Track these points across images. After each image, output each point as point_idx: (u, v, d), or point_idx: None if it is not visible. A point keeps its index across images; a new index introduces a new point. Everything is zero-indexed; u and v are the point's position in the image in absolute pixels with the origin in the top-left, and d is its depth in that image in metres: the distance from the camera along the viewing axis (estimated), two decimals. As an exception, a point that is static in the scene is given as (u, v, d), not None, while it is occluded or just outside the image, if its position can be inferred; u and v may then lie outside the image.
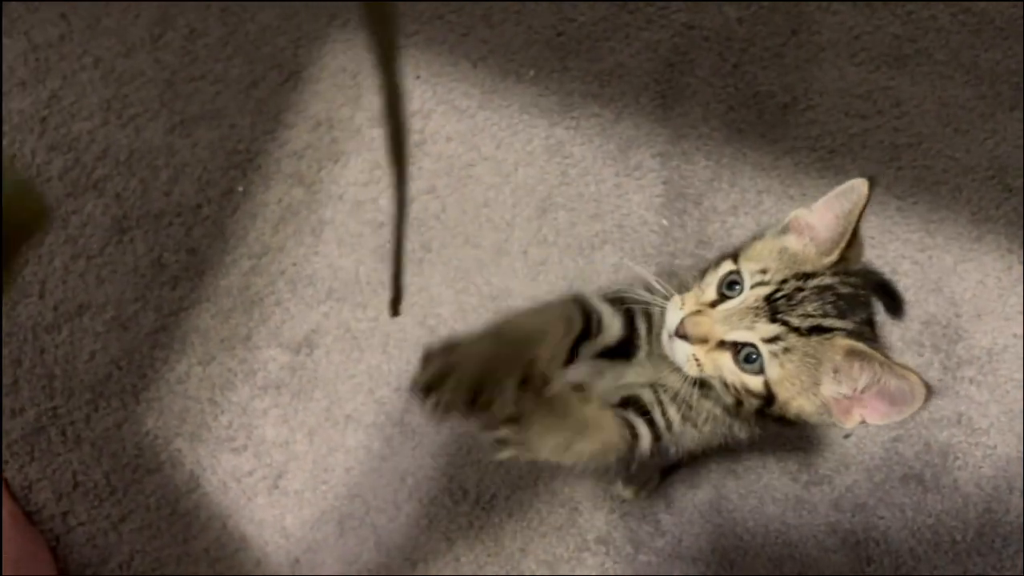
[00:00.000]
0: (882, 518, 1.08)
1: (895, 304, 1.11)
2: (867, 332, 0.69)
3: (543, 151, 1.25)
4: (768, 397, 0.70)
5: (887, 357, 0.65)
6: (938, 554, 1.07)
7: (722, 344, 0.70)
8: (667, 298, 0.75)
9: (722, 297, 0.72)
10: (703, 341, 0.70)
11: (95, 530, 1.09)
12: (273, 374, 1.16)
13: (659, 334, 0.76)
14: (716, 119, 1.26)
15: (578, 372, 0.80)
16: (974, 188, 1.22)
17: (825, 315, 0.68)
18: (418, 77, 1.30)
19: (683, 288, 0.77)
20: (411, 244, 1.21)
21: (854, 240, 0.71)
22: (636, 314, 0.80)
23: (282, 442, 1.13)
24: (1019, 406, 1.12)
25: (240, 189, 1.24)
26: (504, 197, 1.23)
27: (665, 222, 1.21)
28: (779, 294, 0.68)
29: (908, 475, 1.09)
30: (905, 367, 0.64)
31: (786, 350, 0.67)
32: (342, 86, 1.30)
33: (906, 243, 1.19)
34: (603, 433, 0.72)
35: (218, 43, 1.31)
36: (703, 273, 0.76)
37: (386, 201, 1.24)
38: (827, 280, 0.69)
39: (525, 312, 0.71)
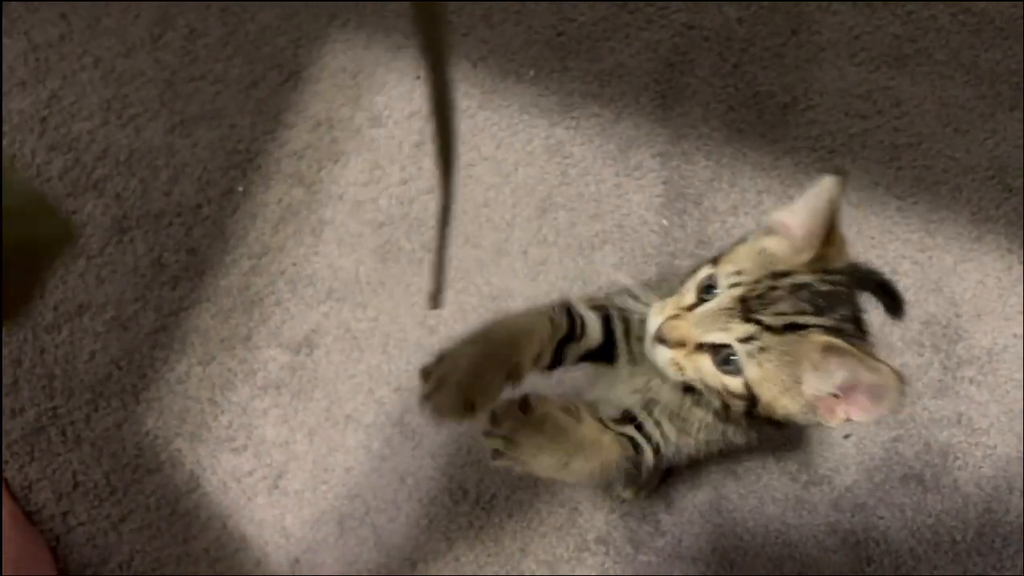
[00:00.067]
0: (882, 518, 1.08)
1: (895, 304, 1.11)
2: (848, 328, 0.69)
3: (543, 151, 1.25)
4: (751, 398, 0.70)
5: (864, 351, 0.64)
6: (938, 554, 1.07)
7: (700, 347, 0.70)
8: (649, 304, 0.76)
9: (700, 301, 0.72)
10: (681, 345, 0.70)
11: (95, 530, 1.10)
12: (273, 374, 1.16)
13: (645, 340, 0.76)
14: (716, 119, 1.26)
15: (573, 376, 0.81)
16: (974, 188, 1.22)
17: (800, 312, 0.67)
18: (418, 77, 1.30)
19: (671, 294, 0.77)
20: (410, 244, 1.21)
21: (831, 237, 0.71)
22: (613, 318, 0.81)
23: (282, 442, 1.13)
24: (1019, 406, 1.12)
25: (240, 189, 1.24)
26: (504, 197, 1.23)
27: (665, 222, 1.21)
28: (752, 294, 0.69)
29: (908, 475, 1.09)
30: (878, 360, 0.64)
31: (762, 349, 0.67)
32: (342, 86, 1.30)
33: (906, 243, 1.19)
34: (602, 452, 0.73)
35: (218, 43, 1.31)
36: (685, 279, 0.76)
37: (386, 201, 1.24)
38: (803, 278, 0.69)
39: (512, 315, 0.74)
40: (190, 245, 1.21)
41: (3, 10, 1.32)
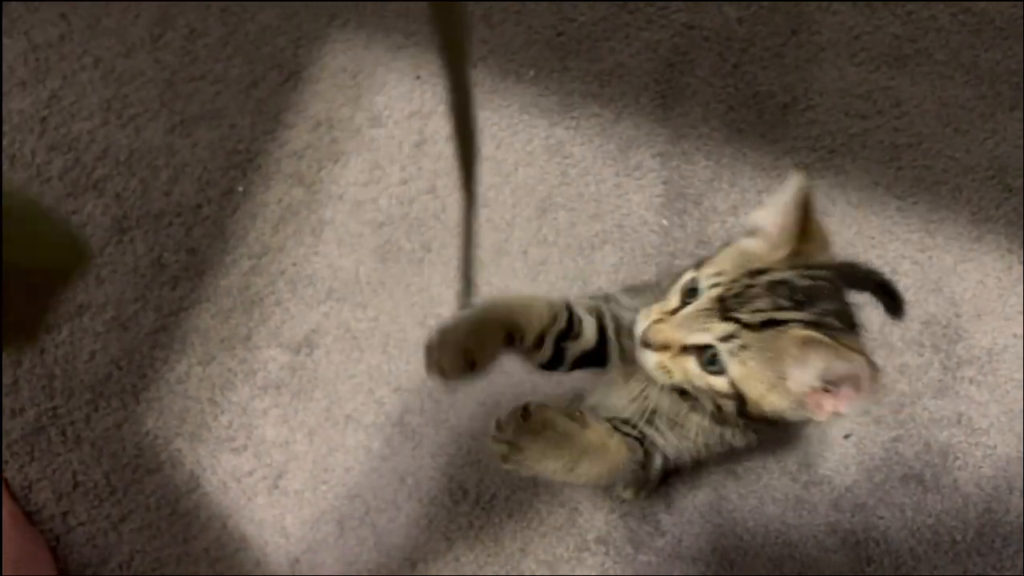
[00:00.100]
0: (882, 518, 1.08)
1: (895, 304, 1.11)
2: (829, 321, 0.69)
3: (543, 151, 1.25)
4: (739, 397, 0.70)
5: (841, 342, 0.65)
6: (938, 554, 1.07)
7: (685, 349, 0.71)
8: (637, 311, 0.78)
9: (684, 305, 0.73)
10: (666, 348, 0.71)
11: (95, 530, 1.10)
12: (273, 374, 1.16)
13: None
14: (716, 119, 1.26)
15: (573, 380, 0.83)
16: (974, 188, 1.22)
17: (778, 308, 0.68)
18: (418, 77, 1.30)
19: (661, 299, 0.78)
20: (410, 244, 1.21)
21: (806, 233, 0.72)
22: (606, 321, 0.83)
23: (282, 442, 1.13)
24: (1019, 406, 1.12)
25: (240, 189, 1.24)
26: (504, 197, 1.23)
27: (665, 222, 1.21)
28: (730, 293, 0.69)
29: (908, 475, 1.09)
30: (852, 348, 0.64)
31: (742, 347, 0.68)
32: (342, 86, 1.30)
33: (906, 243, 1.19)
34: (608, 455, 0.75)
35: (218, 43, 1.31)
36: (670, 284, 0.78)
37: (386, 201, 1.24)
38: (781, 275, 0.70)
39: (517, 295, 0.77)
40: (190, 245, 1.21)
41: (3, 10, 1.32)
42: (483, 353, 0.71)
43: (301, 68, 1.31)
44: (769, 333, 0.67)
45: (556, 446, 0.71)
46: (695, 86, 1.28)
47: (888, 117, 1.25)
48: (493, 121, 1.27)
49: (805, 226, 0.72)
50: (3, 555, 0.99)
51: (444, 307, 1.18)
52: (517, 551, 1.08)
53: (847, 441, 1.11)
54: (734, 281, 0.70)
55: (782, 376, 0.68)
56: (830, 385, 0.67)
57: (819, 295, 0.70)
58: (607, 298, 0.86)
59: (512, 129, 1.26)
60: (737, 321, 0.68)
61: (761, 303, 0.68)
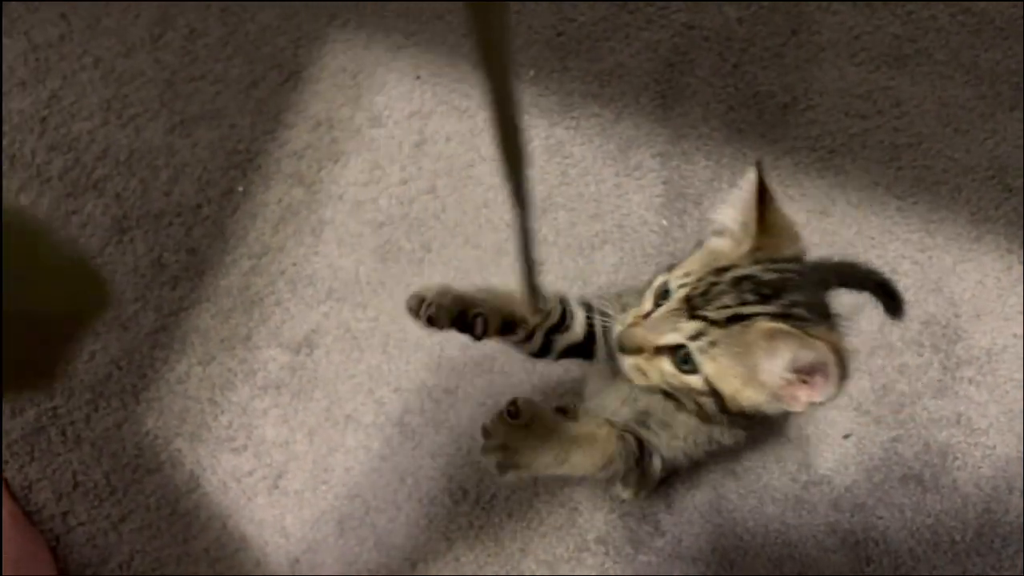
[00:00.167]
0: (881, 518, 1.08)
1: (895, 304, 1.12)
2: (798, 312, 0.69)
3: (543, 151, 1.25)
4: (715, 394, 0.71)
5: (808, 332, 0.65)
6: (937, 554, 1.07)
7: (659, 350, 0.72)
8: (616, 316, 0.80)
9: (657, 308, 0.74)
10: (640, 350, 0.73)
11: (95, 530, 1.10)
12: (273, 374, 1.16)
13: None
14: (716, 119, 1.26)
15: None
16: (974, 188, 1.22)
17: (743, 303, 0.69)
18: (418, 77, 1.30)
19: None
20: (410, 244, 1.21)
21: (767, 226, 0.72)
22: (595, 316, 0.84)
23: (282, 442, 1.13)
24: (1019, 406, 1.12)
25: (240, 189, 1.24)
26: (504, 197, 1.23)
27: (665, 222, 1.21)
28: (696, 292, 0.70)
29: (907, 475, 1.09)
30: (817, 336, 0.65)
31: (712, 344, 0.69)
32: (342, 86, 1.30)
33: (906, 243, 1.19)
34: (598, 444, 0.76)
35: (218, 43, 1.31)
36: (644, 289, 0.79)
37: (386, 201, 1.24)
38: (745, 270, 0.70)
39: (512, 287, 0.78)
40: (190, 245, 1.21)
41: (3, 10, 1.32)
42: (477, 310, 0.73)
43: (301, 68, 1.31)
44: (736, 328, 0.68)
45: (546, 439, 0.72)
46: (695, 86, 1.28)
47: (888, 117, 1.25)
48: (493, 121, 1.27)
49: (764, 220, 0.72)
50: (3, 555, 0.99)
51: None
52: (517, 551, 1.08)
53: (847, 441, 1.11)
54: (700, 280, 0.71)
55: (754, 370, 0.69)
56: (802, 375, 0.67)
57: (786, 287, 0.70)
58: (602, 298, 0.87)
59: (512, 129, 1.26)
60: (704, 319, 0.69)
61: (726, 299, 0.69)
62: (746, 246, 0.72)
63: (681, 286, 0.72)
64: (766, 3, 1.31)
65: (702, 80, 1.28)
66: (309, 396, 1.15)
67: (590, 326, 0.84)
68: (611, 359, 0.82)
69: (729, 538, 1.08)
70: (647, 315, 0.74)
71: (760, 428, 0.94)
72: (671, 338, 0.71)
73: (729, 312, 0.68)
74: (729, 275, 0.70)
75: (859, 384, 1.13)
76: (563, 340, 0.83)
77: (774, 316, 0.68)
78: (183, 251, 1.21)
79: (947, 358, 1.14)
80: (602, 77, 1.29)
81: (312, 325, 1.18)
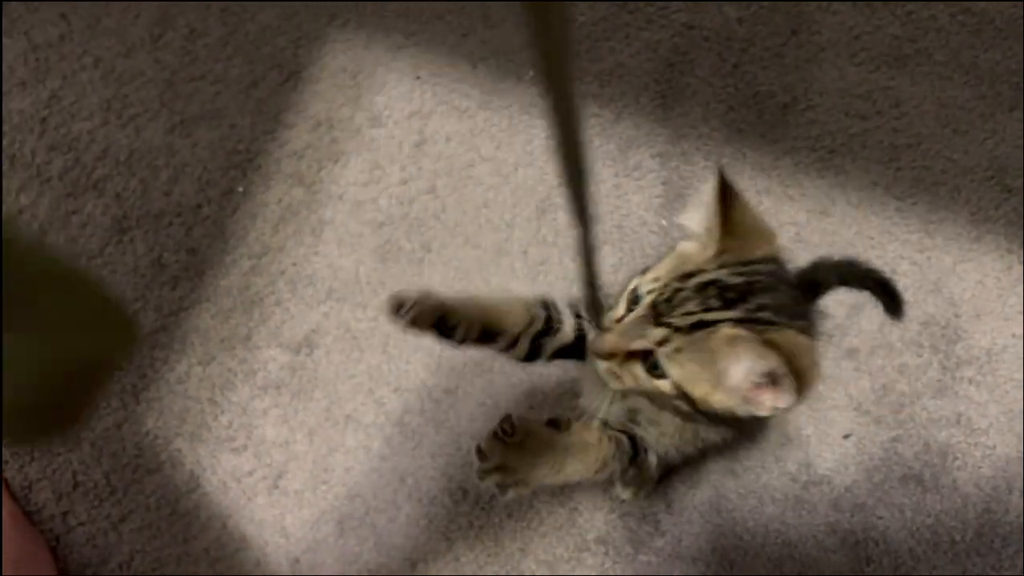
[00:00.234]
0: (881, 518, 1.08)
1: (894, 304, 1.11)
2: (764, 316, 0.69)
3: (543, 151, 1.25)
4: (686, 397, 0.71)
5: (768, 336, 0.65)
6: (937, 554, 1.07)
7: (631, 355, 0.72)
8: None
9: (629, 312, 0.74)
10: (612, 355, 0.73)
11: (95, 530, 1.10)
12: (273, 374, 1.16)
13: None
14: (716, 119, 1.26)
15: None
16: (973, 189, 1.22)
17: (707, 310, 0.68)
18: (418, 77, 1.30)
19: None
20: (410, 244, 1.21)
21: (731, 230, 0.72)
22: (584, 319, 0.85)
23: (282, 442, 1.13)
24: (1019, 406, 1.12)
25: (240, 189, 1.24)
26: (504, 197, 1.23)
27: (664, 222, 1.21)
28: (662, 298, 0.70)
29: (907, 475, 1.09)
30: (777, 342, 0.65)
31: (677, 350, 0.69)
32: (342, 86, 1.30)
33: (905, 243, 1.19)
34: (592, 450, 0.77)
35: (218, 43, 1.31)
36: (620, 294, 0.79)
37: (386, 201, 1.24)
38: (710, 275, 0.70)
39: (496, 295, 0.82)
40: (190, 245, 1.21)
41: (3, 10, 1.32)
42: (458, 318, 0.74)
43: (301, 68, 1.31)
44: (700, 335, 0.68)
45: (540, 453, 0.73)
46: (695, 86, 1.28)
47: (888, 117, 1.25)
48: (493, 121, 1.27)
49: (729, 223, 0.72)
50: (3, 555, 0.99)
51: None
52: (517, 551, 1.08)
53: (847, 441, 1.11)
54: (666, 286, 0.71)
55: (719, 375, 0.68)
56: (766, 379, 0.67)
57: (752, 291, 0.69)
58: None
59: (512, 129, 1.26)
60: (669, 326, 0.69)
61: (691, 305, 0.69)
62: (712, 250, 0.72)
63: (649, 292, 0.72)
64: (766, 3, 1.31)
65: (702, 80, 1.28)
66: (309, 396, 1.15)
67: (580, 327, 0.84)
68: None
69: (729, 538, 1.08)
70: (620, 319, 0.74)
71: (746, 425, 0.94)
72: (639, 344, 0.71)
73: (693, 319, 0.68)
74: (694, 280, 0.70)
75: (859, 384, 1.13)
76: (552, 343, 0.83)
77: (738, 321, 0.67)
78: (183, 251, 1.21)
79: (947, 358, 1.14)
80: (602, 77, 1.29)
81: (312, 325, 1.18)
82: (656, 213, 1.22)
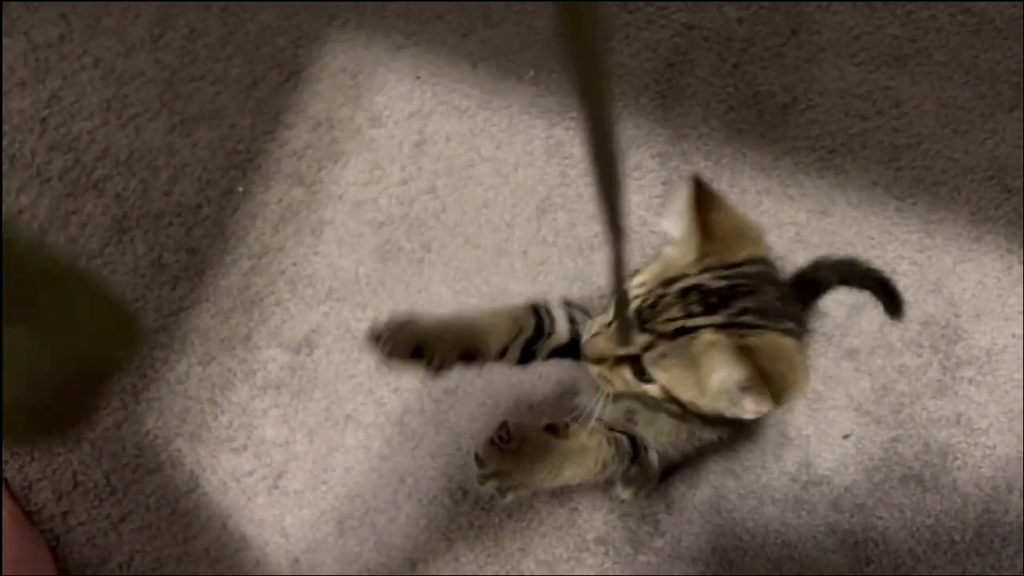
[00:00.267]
0: (881, 518, 1.08)
1: (894, 304, 1.11)
2: (747, 320, 0.68)
3: (543, 151, 1.25)
4: (674, 400, 0.71)
5: (746, 342, 0.65)
6: (937, 554, 1.07)
7: (620, 360, 0.72)
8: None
9: None
10: (602, 360, 0.73)
11: (95, 530, 1.10)
12: (273, 374, 1.16)
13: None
14: (716, 119, 1.26)
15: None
16: (973, 189, 1.22)
17: (689, 315, 0.68)
18: (418, 77, 1.30)
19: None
20: (410, 244, 1.21)
21: (709, 234, 0.71)
22: (577, 320, 0.85)
23: (282, 442, 1.13)
24: (1019, 406, 1.12)
25: (240, 189, 1.24)
26: (504, 197, 1.23)
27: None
28: (646, 304, 0.70)
29: (907, 475, 1.09)
30: (750, 347, 0.65)
31: (662, 356, 0.69)
32: (342, 86, 1.30)
33: (905, 243, 1.19)
34: (589, 453, 0.77)
35: (218, 43, 1.31)
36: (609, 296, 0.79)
37: (386, 201, 1.24)
38: (692, 280, 0.70)
39: (479, 311, 0.79)
40: (190, 245, 1.21)
41: (3, 10, 1.32)
42: (435, 349, 0.72)
43: (301, 68, 1.31)
44: (682, 341, 0.68)
45: (538, 459, 0.74)
46: (695, 86, 1.28)
47: (888, 117, 1.25)
48: (493, 122, 1.27)
49: (708, 227, 0.71)
50: (3, 555, 1.00)
51: (444, 307, 1.18)
52: (517, 551, 1.08)
53: (847, 441, 1.11)
54: (650, 292, 0.71)
55: (704, 380, 0.68)
56: (745, 386, 0.67)
57: (735, 295, 0.69)
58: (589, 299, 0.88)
59: (512, 129, 1.26)
60: (653, 331, 0.69)
61: (673, 312, 0.69)
62: (692, 255, 0.71)
63: (634, 297, 0.72)
64: (766, 3, 1.31)
65: (702, 80, 1.28)
66: (309, 396, 1.15)
67: (575, 328, 0.84)
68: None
69: (729, 538, 1.08)
70: (609, 324, 0.74)
71: (741, 425, 0.94)
72: (626, 350, 0.71)
73: (675, 325, 0.68)
74: (676, 286, 0.70)
75: (859, 384, 1.13)
76: (546, 346, 0.83)
77: (720, 326, 0.67)
78: (183, 251, 1.21)
79: (947, 358, 1.14)
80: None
81: (312, 325, 1.18)
82: (656, 213, 1.22)
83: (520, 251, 1.20)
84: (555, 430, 0.77)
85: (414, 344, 0.72)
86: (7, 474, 1.11)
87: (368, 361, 1.16)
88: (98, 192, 1.23)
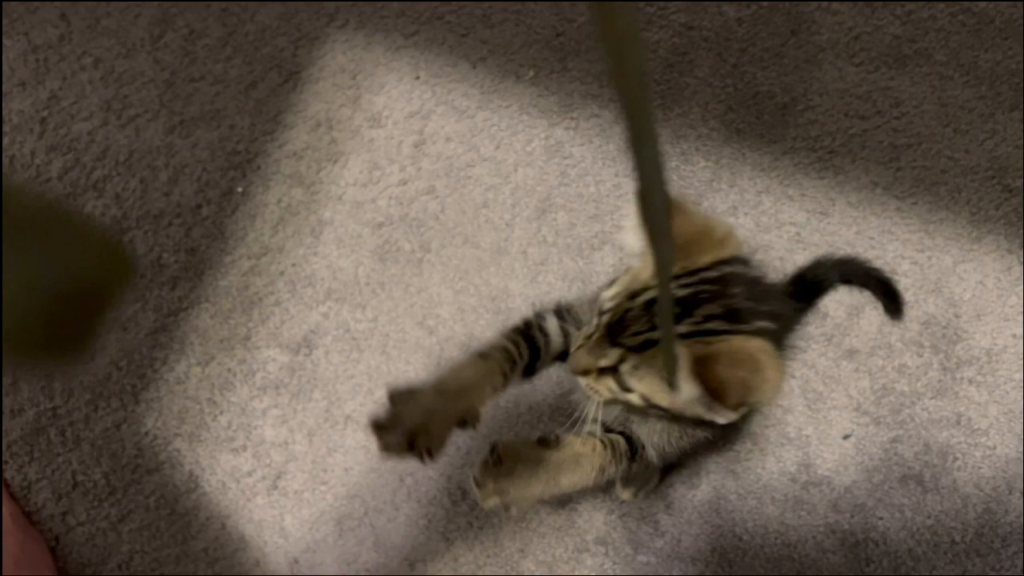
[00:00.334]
0: (881, 519, 1.08)
1: (894, 304, 1.11)
2: (711, 326, 0.68)
3: (543, 151, 1.25)
4: (656, 407, 0.72)
5: (709, 351, 0.65)
6: (937, 555, 1.07)
7: (603, 371, 0.72)
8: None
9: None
10: (587, 372, 0.74)
11: (95, 530, 1.10)
12: (272, 374, 1.16)
13: None
14: (715, 119, 1.26)
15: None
16: (974, 188, 1.21)
17: (653, 328, 0.68)
18: (418, 77, 1.30)
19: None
20: (410, 244, 1.21)
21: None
22: (568, 324, 0.86)
23: (281, 442, 1.13)
24: (1019, 406, 1.11)
25: (239, 189, 1.24)
26: (504, 197, 1.23)
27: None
28: (615, 319, 0.71)
29: (907, 476, 1.09)
30: (711, 356, 0.65)
31: (635, 367, 0.70)
32: (342, 86, 1.30)
33: (905, 243, 1.19)
34: (585, 460, 0.78)
35: (218, 43, 1.31)
36: (592, 304, 0.79)
37: (385, 201, 1.24)
38: (655, 291, 0.69)
39: (468, 361, 0.78)
40: (190, 245, 1.21)
41: (3, 10, 1.32)
42: (429, 442, 0.71)
43: (301, 68, 1.31)
44: (650, 352, 0.69)
45: (533, 473, 0.75)
46: (694, 86, 1.28)
47: (888, 117, 1.25)
48: (493, 121, 1.27)
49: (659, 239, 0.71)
50: (3, 555, 1.00)
51: (444, 307, 1.18)
52: (516, 551, 1.08)
53: (847, 441, 1.11)
54: (618, 306, 0.71)
55: (675, 388, 0.68)
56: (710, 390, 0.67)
57: (699, 302, 0.68)
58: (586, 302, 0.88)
59: (512, 129, 1.26)
60: (622, 346, 0.70)
61: (638, 325, 0.69)
62: (650, 268, 0.71)
63: (605, 311, 0.72)
64: (766, 3, 1.31)
65: (701, 80, 1.28)
66: (308, 396, 1.15)
67: (566, 332, 0.85)
68: None
69: (728, 538, 1.08)
70: (589, 336, 0.74)
71: (732, 424, 0.94)
72: (605, 362, 0.72)
73: (641, 338, 0.69)
74: (640, 299, 0.70)
75: (859, 384, 1.12)
76: (546, 359, 0.84)
77: (685, 336, 0.67)
78: (183, 251, 1.21)
79: (947, 358, 1.13)
80: (602, 77, 1.29)
81: (311, 325, 1.18)
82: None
83: (520, 251, 1.20)
84: (546, 443, 0.78)
85: (408, 439, 0.71)
86: (7, 474, 1.11)
87: (367, 361, 1.16)
88: (98, 192, 1.23)
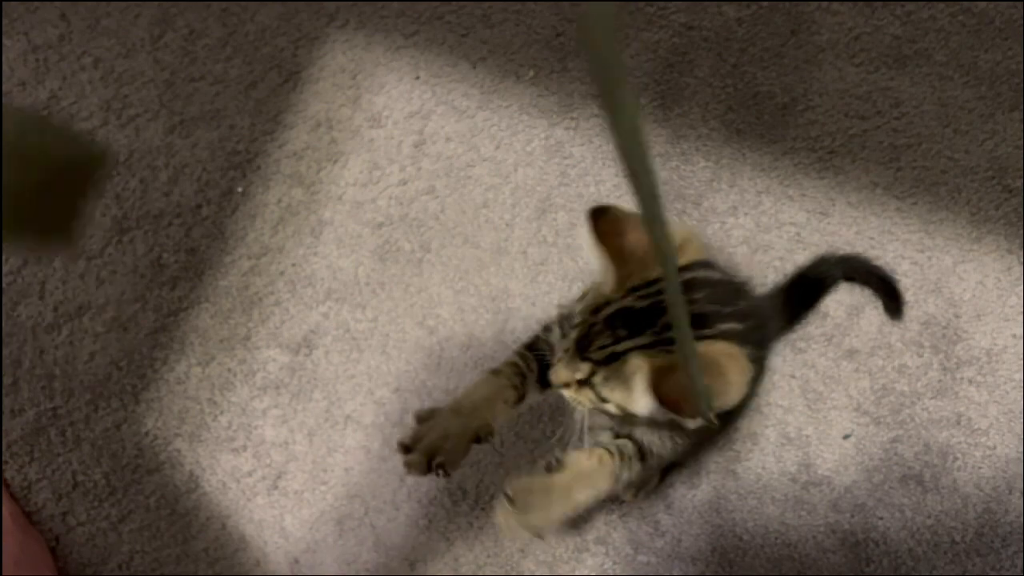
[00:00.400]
0: (881, 519, 1.08)
1: (894, 304, 1.11)
2: (670, 336, 0.68)
3: (543, 151, 1.25)
4: (633, 415, 0.72)
5: (670, 360, 0.66)
6: (937, 555, 1.07)
7: (581, 383, 0.74)
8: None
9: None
10: (568, 384, 0.75)
11: (95, 530, 1.10)
12: (272, 374, 1.16)
13: None
14: (715, 120, 1.26)
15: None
16: (974, 189, 1.22)
17: (616, 341, 0.70)
18: (417, 78, 1.30)
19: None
20: (410, 244, 1.21)
21: (623, 259, 0.71)
22: (566, 329, 0.86)
23: (281, 442, 1.13)
24: (1019, 406, 1.12)
25: (239, 190, 1.24)
26: (504, 197, 1.23)
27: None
28: (582, 334, 0.72)
29: (907, 476, 1.09)
30: (668, 366, 0.65)
31: (606, 379, 0.71)
32: (342, 86, 1.30)
33: (905, 243, 1.19)
34: (594, 474, 0.79)
35: (218, 43, 1.31)
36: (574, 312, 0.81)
37: (385, 201, 1.24)
38: (617, 305, 0.71)
39: (481, 380, 0.83)
40: (190, 245, 1.21)
41: (3, 10, 1.32)
42: (447, 460, 0.76)
43: (301, 68, 1.31)
44: (616, 365, 0.70)
45: (547, 501, 0.76)
46: (694, 87, 1.28)
47: (888, 118, 1.25)
48: (493, 121, 1.27)
49: (620, 253, 0.71)
50: (3, 555, 1.00)
51: (444, 307, 1.18)
52: (516, 551, 1.08)
53: (847, 441, 1.11)
54: (584, 321, 0.73)
55: (640, 400, 0.69)
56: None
57: (660, 311, 0.68)
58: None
59: (512, 129, 1.26)
60: (590, 360, 0.71)
61: (602, 339, 0.70)
62: (611, 281, 0.72)
63: (575, 326, 0.74)
64: (766, 3, 1.31)
65: (701, 81, 1.28)
66: (308, 396, 1.15)
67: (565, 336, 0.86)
68: None
69: (729, 538, 1.08)
70: (566, 350, 0.75)
71: (723, 424, 0.94)
72: (580, 375, 0.73)
73: (607, 352, 0.70)
74: (603, 313, 0.71)
75: (859, 384, 1.13)
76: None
77: (647, 346, 0.68)
78: (183, 251, 1.21)
79: (947, 358, 1.14)
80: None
81: (311, 325, 1.18)
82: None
83: (520, 251, 1.20)
84: (551, 468, 0.79)
85: (427, 458, 0.76)
86: (7, 474, 1.11)
87: (367, 361, 1.16)
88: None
